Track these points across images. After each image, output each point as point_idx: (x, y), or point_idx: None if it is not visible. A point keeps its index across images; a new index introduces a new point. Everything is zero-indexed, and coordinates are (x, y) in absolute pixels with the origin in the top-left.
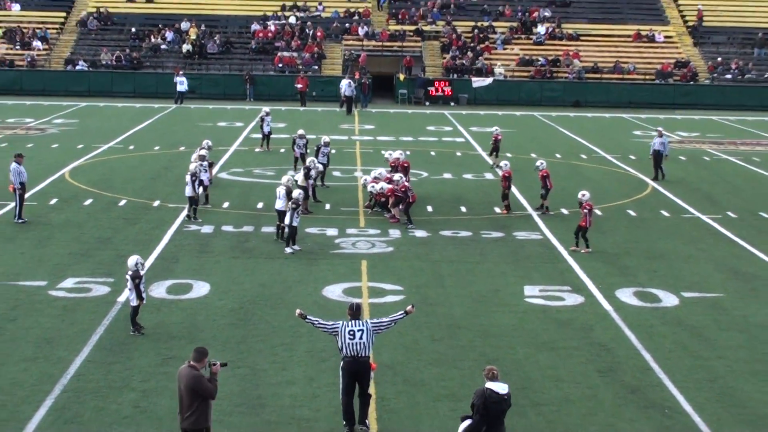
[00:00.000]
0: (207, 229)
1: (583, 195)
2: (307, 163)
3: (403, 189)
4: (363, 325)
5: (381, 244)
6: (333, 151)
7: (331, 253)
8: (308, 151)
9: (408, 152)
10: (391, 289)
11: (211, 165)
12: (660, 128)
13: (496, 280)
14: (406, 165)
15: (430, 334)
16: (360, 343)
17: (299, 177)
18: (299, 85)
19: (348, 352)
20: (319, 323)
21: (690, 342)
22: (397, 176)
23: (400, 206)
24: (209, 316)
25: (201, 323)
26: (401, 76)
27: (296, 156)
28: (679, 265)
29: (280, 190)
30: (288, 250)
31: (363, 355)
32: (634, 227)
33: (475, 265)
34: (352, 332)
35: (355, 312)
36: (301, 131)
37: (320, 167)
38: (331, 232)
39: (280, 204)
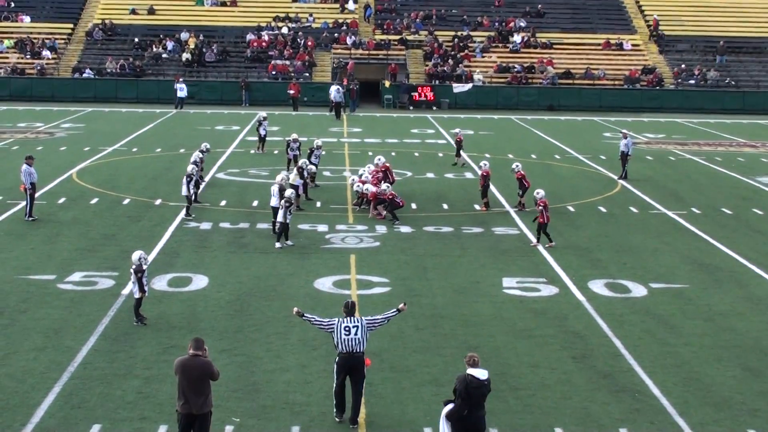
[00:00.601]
0: (206, 225)
1: (537, 193)
2: (300, 164)
3: (390, 197)
4: (358, 322)
5: (368, 239)
6: (323, 153)
7: (321, 248)
8: (301, 153)
9: (393, 153)
10: (378, 282)
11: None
12: (624, 130)
13: (476, 272)
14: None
15: (415, 323)
16: (355, 338)
17: (292, 176)
18: (291, 91)
19: (343, 347)
20: (316, 320)
21: (658, 330)
22: (383, 186)
23: (383, 207)
24: (208, 308)
25: (200, 314)
26: (387, 83)
27: (289, 158)
28: (647, 257)
29: (274, 189)
30: (278, 245)
31: (358, 350)
32: (604, 222)
33: (456, 258)
34: (347, 328)
35: (350, 309)
36: (294, 135)
37: (313, 168)
38: (322, 228)
39: (274, 201)
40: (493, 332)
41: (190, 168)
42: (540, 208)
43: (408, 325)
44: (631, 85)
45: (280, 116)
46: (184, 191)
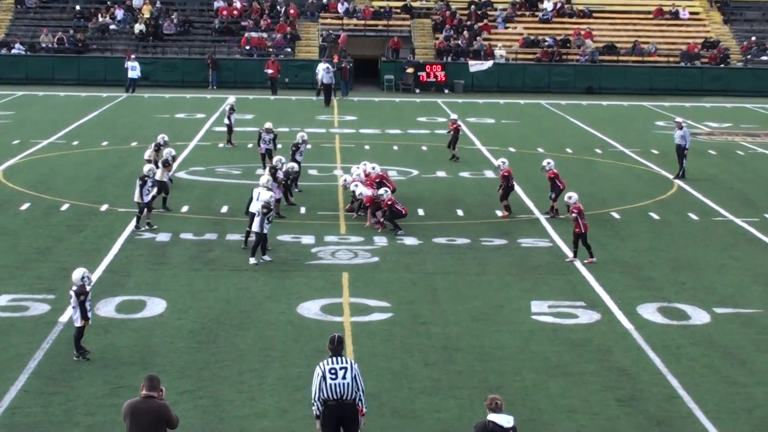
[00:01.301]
0: (163, 236)
1: (570, 197)
2: (275, 162)
3: (388, 204)
4: (346, 363)
5: (365, 253)
6: (308, 147)
7: (307, 264)
8: (276, 147)
9: (395, 147)
10: (377, 306)
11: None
12: (679, 118)
13: (498, 294)
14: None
15: (423, 357)
16: (344, 383)
17: (264, 178)
18: (269, 71)
19: (330, 394)
20: (314, 390)
21: (724, 365)
22: (381, 191)
23: (379, 214)
24: (166, 338)
25: (156, 346)
26: (410, 70)
27: (261, 152)
28: (710, 276)
29: (260, 192)
30: (253, 260)
31: (349, 397)
32: (657, 232)
33: (474, 277)
34: (333, 371)
35: (336, 346)
36: (268, 124)
37: (295, 167)
38: (307, 239)
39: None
40: (519, 369)
41: (147, 168)
42: (573, 215)
43: (414, 360)
44: (689, 63)
45: (256, 102)
46: (136, 197)
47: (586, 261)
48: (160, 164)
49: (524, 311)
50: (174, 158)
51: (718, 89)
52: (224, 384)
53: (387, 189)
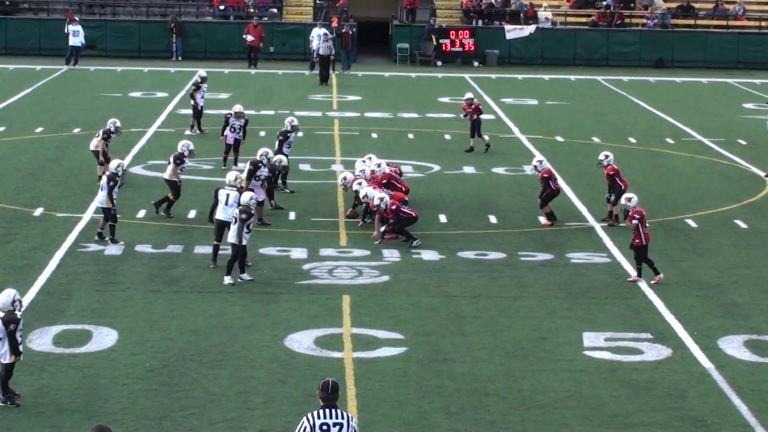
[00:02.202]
0: (114, 249)
1: (629, 200)
2: (259, 156)
3: (392, 210)
4: (343, 417)
5: (371, 271)
6: (300, 134)
7: (297, 285)
8: (246, 136)
9: (411, 136)
10: (387, 338)
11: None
12: None
13: (541, 323)
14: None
15: (445, 404)
16: None
17: (230, 176)
18: (249, 37)
19: None
20: None
21: None
22: (376, 200)
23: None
24: (117, 379)
25: (105, 389)
26: (434, 40)
27: (228, 143)
28: None
29: (228, 193)
30: (228, 279)
31: None
32: (744, 245)
33: (510, 301)
34: (325, 427)
35: (330, 394)
36: (238, 107)
37: (284, 160)
38: (298, 253)
39: (223, 213)
40: (568, 419)
41: (115, 165)
42: (634, 221)
43: (434, 407)
44: None
45: (232, 77)
46: (103, 201)
47: (652, 282)
48: (171, 160)
49: (574, 345)
50: (191, 153)
51: None
52: None
53: (385, 195)
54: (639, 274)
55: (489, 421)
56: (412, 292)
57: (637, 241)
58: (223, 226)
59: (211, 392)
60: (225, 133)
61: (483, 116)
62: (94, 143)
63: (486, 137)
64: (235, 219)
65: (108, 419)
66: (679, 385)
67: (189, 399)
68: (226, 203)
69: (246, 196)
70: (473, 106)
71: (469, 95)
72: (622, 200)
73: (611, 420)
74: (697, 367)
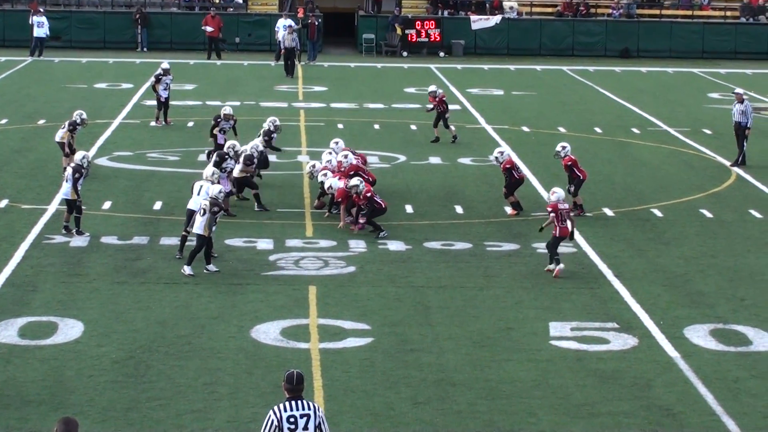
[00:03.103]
0: (79, 241)
1: (552, 194)
2: (226, 148)
3: (367, 197)
4: (309, 408)
5: (338, 261)
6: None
7: (263, 276)
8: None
9: (376, 126)
10: (354, 329)
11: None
12: (739, 90)
13: (508, 313)
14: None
15: (412, 394)
16: None
17: (207, 170)
18: (208, 29)
19: None
20: None
21: None
22: (354, 181)
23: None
24: (83, 371)
25: (71, 381)
26: (399, 30)
27: (219, 143)
28: None
29: (202, 185)
30: (188, 270)
31: None
32: (710, 234)
33: (477, 291)
34: (292, 419)
35: (295, 386)
36: (227, 109)
37: (260, 146)
38: (264, 244)
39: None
40: (535, 408)
41: (80, 156)
42: (552, 215)
43: (401, 398)
44: (753, 18)
45: (198, 68)
46: (68, 193)
47: (549, 271)
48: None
49: (541, 335)
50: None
51: None
52: (158, 429)
53: (360, 179)
54: (551, 261)
55: (456, 411)
56: (378, 282)
57: (553, 232)
58: (192, 215)
59: (177, 383)
60: (214, 132)
61: (449, 107)
62: (60, 135)
63: (453, 128)
64: (204, 210)
65: (74, 411)
66: (645, 374)
67: (155, 390)
68: (198, 194)
69: (215, 189)
70: (438, 98)
71: (432, 87)
72: (549, 194)
73: (578, 409)
74: (663, 357)
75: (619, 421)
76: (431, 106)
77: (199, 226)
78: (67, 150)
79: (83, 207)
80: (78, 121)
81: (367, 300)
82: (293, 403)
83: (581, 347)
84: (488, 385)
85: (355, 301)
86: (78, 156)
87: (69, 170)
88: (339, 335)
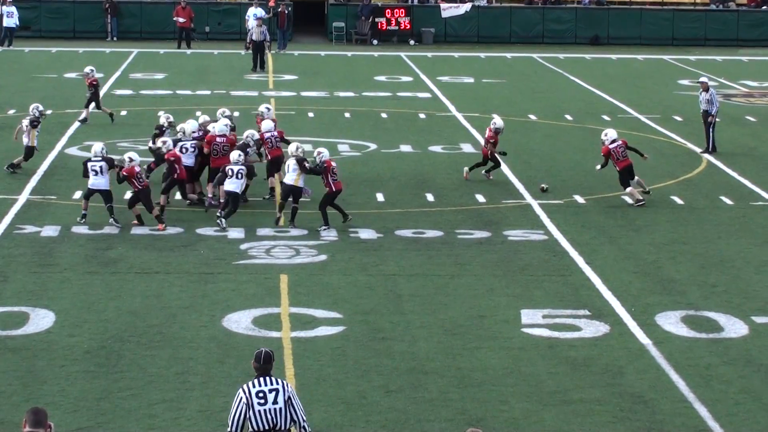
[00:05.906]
0: (50, 230)
1: (605, 135)
2: (245, 139)
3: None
4: (277, 383)
5: (309, 250)
6: (236, 114)
7: (234, 265)
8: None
9: (347, 115)
10: (325, 317)
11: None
12: (704, 77)
13: (479, 301)
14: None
15: (384, 382)
16: (275, 409)
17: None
18: (180, 20)
19: (260, 424)
20: (233, 418)
21: (765, 389)
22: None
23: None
24: (54, 361)
25: (42, 371)
26: (370, 18)
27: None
28: (748, 276)
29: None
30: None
31: (282, 426)
32: (681, 221)
33: (448, 279)
34: (261, 394)
35: (263, 364)
36: (225, 118)
37: (255, 134)
38: (235, 233)
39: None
40: (507, 395)
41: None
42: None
43: (373, 386)
44: (723, 5)
45: (167, 57)
46: (100, 183)
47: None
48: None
49: (512, 323)
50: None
51: (758, 38)
52: (130, 418)
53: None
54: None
55: (428, 400)
56: (349, 271)
57: (617, 168)
58: (230, 195)
59: (149, 373)
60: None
61: (420, 95)
62: (27, 139)
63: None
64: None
65: (46, 401)
66: (617, 361)
67: (127, 380)
68: (236, 177)
69: (234, 154)
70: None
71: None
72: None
73: (550, 397)
74: (634, 344)
75: (590, 409)
76: None
77: (235, 184)
78: (37, 148)
79: (53, 197)
80: (37, 114)
81: (339, 288)
82: (262, 380)
83: (553, 335)
84: (460, 373)
85: (327, 289)
86: (30, 108)
87: (25, 121)
88: (311, 324)
